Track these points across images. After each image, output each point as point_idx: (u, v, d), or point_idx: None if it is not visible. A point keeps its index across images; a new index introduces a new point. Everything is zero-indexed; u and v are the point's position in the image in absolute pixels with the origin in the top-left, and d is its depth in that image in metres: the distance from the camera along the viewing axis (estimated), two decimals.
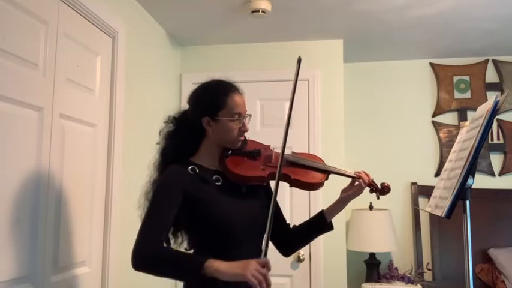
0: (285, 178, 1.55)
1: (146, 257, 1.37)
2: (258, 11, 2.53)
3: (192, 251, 1.55)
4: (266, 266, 1.31)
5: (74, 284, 1.92)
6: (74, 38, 1.93)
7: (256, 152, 1.58)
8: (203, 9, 2.67)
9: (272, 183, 1.62)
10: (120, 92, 2.29)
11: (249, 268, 1.27)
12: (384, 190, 1.66)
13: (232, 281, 1.30)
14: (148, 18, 2.75)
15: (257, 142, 1.65)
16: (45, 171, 1.72)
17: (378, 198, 1.70)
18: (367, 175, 1.63)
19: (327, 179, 1.62)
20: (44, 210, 1.70)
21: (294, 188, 1.61)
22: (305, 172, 1.60)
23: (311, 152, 3.05)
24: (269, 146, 1.66)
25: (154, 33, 2.85)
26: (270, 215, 1.37)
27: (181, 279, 1.47)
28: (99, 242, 2.12)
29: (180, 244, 1.58)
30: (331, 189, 1.72)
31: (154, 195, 1.46)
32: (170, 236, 1.55)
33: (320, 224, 1.65)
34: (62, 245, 1.83)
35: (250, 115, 1.57)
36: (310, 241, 1.77)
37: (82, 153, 2.00)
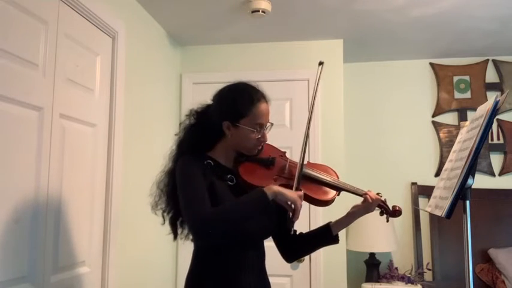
0: None
1: (209, 222, 1.34)
2: (258, 11, 2.53)
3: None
4: (301, 197, 1.45)
5: (74, 284, 1.92)
6: (74, 38, 1.93)
7: (270, 161, 1.56)
8: (203, 9, 2.67)
9: None
10: (120, 92, 2.29)
11: (298, 196, 1.42)
12: (394, 213, 1.62)
13: (284, 201, 1.39)
14: (148, 18, 2.75)
15: (273, 147, 1.63)
16: (45, 171, 1.71)
17: (388, 220, 1.66)
18: (378, 195, 1.60)
19: (338, 195, 1.59)
20: (44, 210, 1.70)
21: None
22: (317, 188, 1.56)
23: (311, 151, 3.05)
24: (285, 152, 1.64)
25: (154, 33, 2.85)
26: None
27: (248, 219, 1.43)
28: (99, 242, 2.12)
29: (186, 236, 1.57)
30: (342, 201, 1.69)
31: (183, 174, 1.45)
32: (178, 225, 1.55)
33: (326, 236, 1.64)
34: (62, 245, 1.83)
35: (272, 124, 1.56)
36: (313, 251, 1.78)
37: (82, 153, 2.00)
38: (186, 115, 1.60)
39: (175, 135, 1.60)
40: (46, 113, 1.72)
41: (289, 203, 1.40)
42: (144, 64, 2.67)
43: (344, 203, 1.66)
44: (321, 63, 1.61)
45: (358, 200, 1.62)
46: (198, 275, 1.50)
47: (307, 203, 1.58)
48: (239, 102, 1.50)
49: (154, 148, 2.63)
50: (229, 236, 1.43)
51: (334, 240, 1.64)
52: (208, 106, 1.59)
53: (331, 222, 1.65)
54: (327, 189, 1.58)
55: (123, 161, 2.31)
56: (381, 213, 1.64)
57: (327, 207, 1.61)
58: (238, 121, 1.49)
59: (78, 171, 1.96)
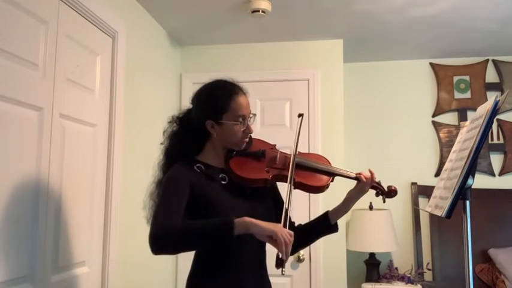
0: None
1: (165, 235, 1.31)
2: (258, 11, 2.53)
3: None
4: (292, 235, 1.32)
5: (74, 284, 1.92)
6: (74, 38, 1.93)
7: (260, 153, 1.56)
8: (203, 9, 2.67)
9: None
10: (120, 92, 2.29)
11: (280, 228, 1.30)
12: (390, 193, 1.64)
13: (261, 234, 1.29)
14: (148, 18, 2.75)
15: (262, 141, 1.64)
16: (45, 171, 1.71)
17: (384, 201, 1.67)
18: (371, 174, 1.60)
19: (332, 181, 1.60)
20: (44, 210, 1.70)
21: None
22: (310, 174, 1.57)
23: (311, 151, 3.06)
24: (275, 145, 1.64)
25: (154, 33, 2.85)
26: (288, 190, 1.43)
27: (207, 246, 1.42)
28: (99, 242, 2.12)
29: None
30: (332, 190, 1.70)
31: (164, 186, 1.45)
32: None
33: (324, 225, 1.64)
34: (62, 245, 1.83)
35: (254, 115, 1.55)
36: (313, 241, 1.76)
37: (82, 153, 2.00)
38: (168, 122, 1.60)
39: (161, 144, 1.60)
40: (46, 113, 1.72)
41: (269, 236, 1.29)
42: (144, 64, 2.67)
43: (345, 188, 1.67)
44: (300, 115, 1.63)
45: (354, 185, 1.63)
46: (199, 275, 1.50)
47: (304, 192, 1.60)
48: (218, 99, 1.50)
49: (154, 148, 2.63)
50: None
51: (333, 228, 1.64)
52: (189, 110, 1.59)
53: (329, 211, 1.65)
54: (320, 175, 1.59)
55: (123, 161, 2.31)
56: (377, 194, 1.65)
57: (322, 193, 1.62)
58: (221, 117, 1.49)
59: (78, 171, 1.96)
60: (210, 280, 1.47)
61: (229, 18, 2.79)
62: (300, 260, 3.00)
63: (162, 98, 2.93)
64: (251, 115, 1.54)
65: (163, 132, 1.60)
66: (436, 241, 3.33)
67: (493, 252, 3.14)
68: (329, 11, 2.69)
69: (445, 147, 3.47)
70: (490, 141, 3.45)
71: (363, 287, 3.02)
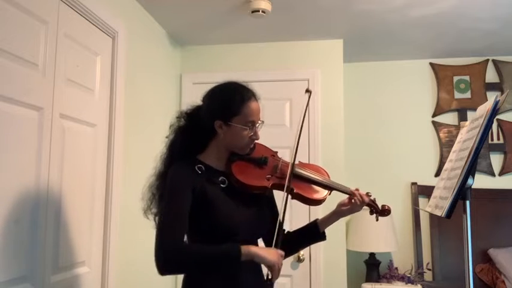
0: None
1: (173, 260, 1.37)
2: (258, 11, 2.53)
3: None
4: (283, 256, 1.46)
5: (74, 284, 1.92)
6: (74, 38, 1.93)
7: (263, 160, 1.56)
8: (203, 9, 2.67)
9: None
10: (120, 92, 2.29)
11: (278, 258, 1.42)
12: (383, 212, 1.64)
13: (262, 263, 1.43)
14: (148, 18, 2.75)
15: (265, 147, 1.64)
16: (45, 171, 1.71)
17: (377, 219, 1.67)
18: (368, 196, 1.61)
19: (329, 194, 1.60)
20: (44, 210, 1.70)
21: None
22: (308, 187, 1.58)
23: (311, 151, 3.06)
24: (276, 152, 1.64)
25: (154, 33, 2.85)
26: (283, 206, 1.45)
27: (212, 268, 1.46)
28: (99, 242, 2.12)
29: None
30: (332, 199, 1.70)
31: (167, 195, 1.45)
32: None
33: (313, 233, 1.66)
34: (62, 245, 1.83)
35: (263, 122, 1.56)
36: (302, 248, 1.78)
37: (82, 153, 2.00)
38: (176, 117, 1.60)
39: (166, 137, 1.60)
40: (46, 113, 1.72)
41: (268, 265, 1.41)
42: (144, 64, 2.67)
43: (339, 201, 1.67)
44: (308, 91, 1.62)
45: (345, 197, 1.64)
46: (196, 274, 1.49)
47: (301, 203, 1.59)
48: (231, 101, 1.50)
49: (154, 148, 2.63)
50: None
51: (322, 237, 1.66)
52: (198, 107, 1.59)
53: (318, 219, 1.66)
54: (319, 188, 1.59)
55: (123, 161, 2.31)
56: (371, 213, 1.66)
57: (319, 205, 1.62)
58: (231, 120, 1.49)
59: (78, 171, 1.96)
60: (207, 279, 1.46)
61: (229, 18, 2.79)
62: (300, 260, 3.00)
63: (162, 98, 2.93)
64: (260, 122, 1.55)
65: (170, 126, 1.60)
66: (436, 241, 3.33)
67: (493, 252, 3.14)
68: (329, 11, 2.69)
69: (445, 147, 3.47)
70: (490, 141, 3.45)
71: (363, 287, 3.02)
